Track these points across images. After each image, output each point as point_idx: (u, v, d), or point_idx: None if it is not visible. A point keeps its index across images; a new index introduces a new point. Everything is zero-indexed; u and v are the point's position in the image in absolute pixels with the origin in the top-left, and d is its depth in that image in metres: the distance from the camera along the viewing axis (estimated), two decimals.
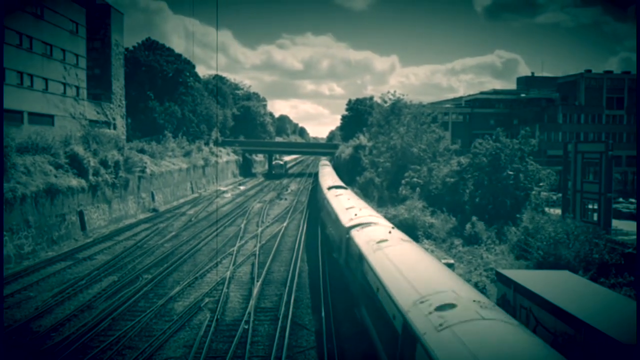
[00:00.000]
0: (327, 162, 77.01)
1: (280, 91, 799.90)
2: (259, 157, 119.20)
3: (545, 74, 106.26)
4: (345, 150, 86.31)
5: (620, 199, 47.57)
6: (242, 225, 41.80)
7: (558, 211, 38.33)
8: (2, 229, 27.66)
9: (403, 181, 48.97)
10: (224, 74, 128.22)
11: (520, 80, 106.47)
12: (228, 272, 27.00)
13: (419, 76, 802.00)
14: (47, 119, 46.84)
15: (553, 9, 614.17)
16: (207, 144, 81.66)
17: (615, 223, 35.72)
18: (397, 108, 64.53)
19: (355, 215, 24.65)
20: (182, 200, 58.77)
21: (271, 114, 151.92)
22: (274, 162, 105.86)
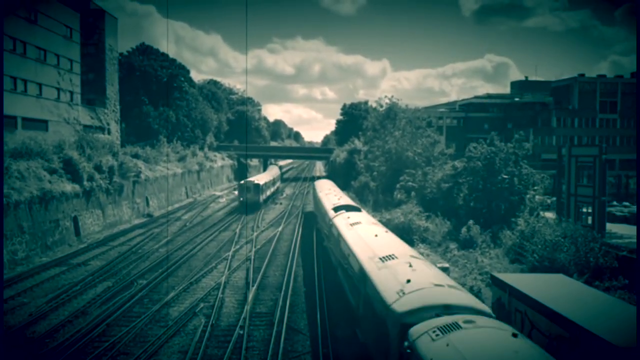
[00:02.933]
0: (331, 183, 53.02)
1: (272, 95, 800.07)
2: (254, 162, 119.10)
3: (538, 78, 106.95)
4: (340, 155, 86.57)
5: (614, 203, 47.84)
6: (237, 230, 41.72)
7: (552, 215, 38.47)
8: (2, 234, 27.47)
9: (398, 185, 49.11)
10: (216, 79, 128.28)
11: (514, 85, 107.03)
12: (223, 277, 26.93)
13: (410, 80, 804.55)
14: (41, 124, 46.62)
15: (541, 12, 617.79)
16: (201, 148, 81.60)
17: (609, 226, 35.90)
18: (392, 112, 64.73)
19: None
20: (176, 205, 58.61)
21: (265, 119, 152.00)
22: (242, 182, 58.60)
